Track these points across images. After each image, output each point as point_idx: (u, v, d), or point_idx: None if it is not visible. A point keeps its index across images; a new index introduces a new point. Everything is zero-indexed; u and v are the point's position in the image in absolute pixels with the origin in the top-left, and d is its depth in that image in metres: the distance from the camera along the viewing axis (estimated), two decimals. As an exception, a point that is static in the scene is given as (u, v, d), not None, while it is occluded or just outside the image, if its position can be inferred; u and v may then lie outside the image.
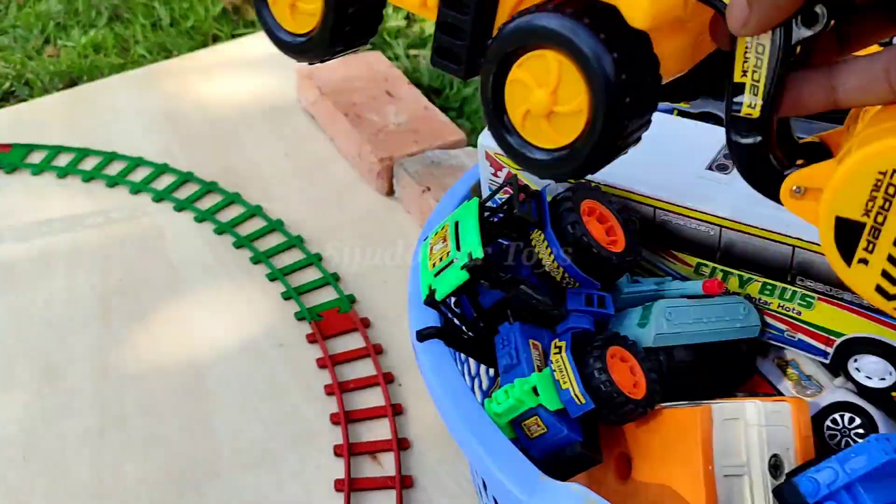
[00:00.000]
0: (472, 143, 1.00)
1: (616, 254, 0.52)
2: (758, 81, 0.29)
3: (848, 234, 0.28)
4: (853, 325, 0.50)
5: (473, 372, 0.61)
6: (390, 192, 1.00)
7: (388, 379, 0.76)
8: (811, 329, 0.52)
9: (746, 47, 0.29)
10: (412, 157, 0.99)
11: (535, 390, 0.46)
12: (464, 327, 0.53)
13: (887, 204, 0.27)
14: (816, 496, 0.39)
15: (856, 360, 0.52)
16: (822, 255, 0.48)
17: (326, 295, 0.86)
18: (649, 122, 0.33)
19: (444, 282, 0.50)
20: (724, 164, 0.54)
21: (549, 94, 0.31)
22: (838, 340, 0.51)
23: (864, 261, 0.28)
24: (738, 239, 0.52)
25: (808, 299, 0.51)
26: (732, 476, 0.45)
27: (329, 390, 0.75)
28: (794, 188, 0.30)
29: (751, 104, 0.30)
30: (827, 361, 0.53)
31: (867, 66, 0.29)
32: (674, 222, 0.54)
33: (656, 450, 0.47)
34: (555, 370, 0.46)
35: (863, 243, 0.28)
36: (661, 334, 0.50)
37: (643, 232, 0.55)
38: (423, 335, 0.50)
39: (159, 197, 0.98)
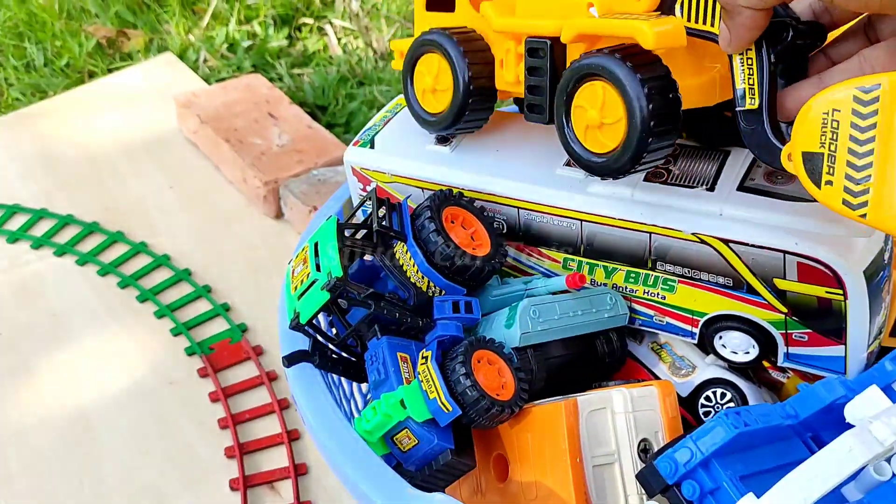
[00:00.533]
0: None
1: (481, 258, 0.52)
2: (753, 85, 0.41)
3: (813, 164, 0.37)
4: (714, 304, 0.52)
5: (349, 393, 0.61)
6: (279, 214, 0.99)
7: (284, 405, 0.75)
8: (676, 311, 0.54)
9: (739, 62, 0.41)
10: (297, 177, 0.98)
11: (402, 403, 0.46)
12: (335, 347, 0.52)
13: (834, 136, 0.36)
14: (675, 476, 0.40)
15: (721, 338, 0.53)
16: (677, 238, 0.50)
17: (217, 326, 0.84)
18: (675, 131, 0.43)
19: (307, 304, 0.49)
20: (580, 160, 0.54)
21: (599, 112, 0.43)
22: (702, 320, 0.53)
23: (829, 182, 0.37)
24: (598, 231, 0.53)
25: (669, 283, 0.52)
26: (603, 465, 0.46)
27: (223, 424, 0.74)
28: (788, 155, 0.39)
29: (751, 102, 0.41)
30: (694, 341, 0.54)
31: (846, 69, 0.41)
32: (537, 221, 0.54)
33: (529, 448, 0.47)
34: (422, 381, 0.46)
35: (825, 168, 0.37)
36: (526, 333, 0.51)
37: (509, 233, 0.56)
38: (289, 360, 0.50)
39: (38, 243, 0.95)
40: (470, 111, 0.50)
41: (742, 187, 0.49)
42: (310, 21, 1.39)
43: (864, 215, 0.36)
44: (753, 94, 0.41)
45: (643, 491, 0.46)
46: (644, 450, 0.47)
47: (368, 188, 0.61)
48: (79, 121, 1.15)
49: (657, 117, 0.41)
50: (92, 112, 1.17)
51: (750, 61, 0.41)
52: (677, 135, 0.43)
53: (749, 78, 0.41)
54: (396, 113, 0.62)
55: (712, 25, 0.41)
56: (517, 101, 0.59)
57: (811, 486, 0.34)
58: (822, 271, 0.46)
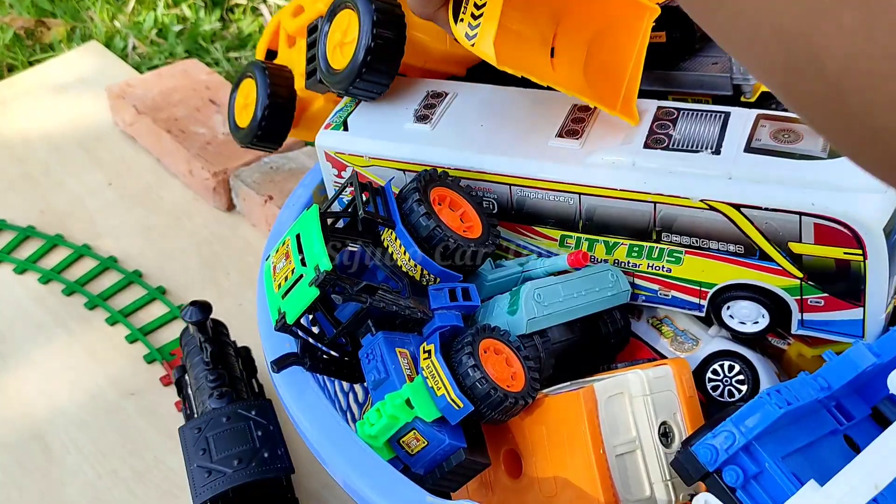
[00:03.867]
0: (311, 143, 0.94)
1: (474, 240, 0.49)
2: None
3: (456, 6, 0.46)
4: (724, 274, 0.49)
5: (345, 390, 0.57)
6: (230, 206, 0.93)
7: (258, 409, 0.70)
8: (683, 284, 0.51)
9: None
10: (248, 166, 0.92)
11: (408, 403, 0.42)
12: (324, 347, 0.48)
13: None
14: (716, 462, 0.37)
15: (728, 308, 0.51)
16: (684, 206, 0.47)
17: (176, 330, 0.79)
18: (398, 63, 0.53)
19: (294, 302, 0.45)
20: (573, 130, 0.51)
21: (342, 33, 0.53)
22: (710, 291, 0.50)
23: (461, 19, 0.46)
24: (598, 204, 0.50)
25: (675, 255, 0.50)
26: (625, 454, 0.43)
27: (194, 434, 0.69)
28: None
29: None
30: (702, 314, 0.52)
31: None
32: (531, 197, 0.51)
33: (544, 441, 0.44)
34: (427, 377, 0.43)
35: (462, 9, 0.46)
36: (533, 319, 0.47)
37: (500, 213, 0.52)
38: (278, 364, 0.45)
39: (-31, 253, 0.87)
40: (268, 124, 0.60)
41: (749, 148, 0.47)
42: (242, 1, 1.32)
43: (473, 44, 0.45)
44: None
45: (669, 476, 0.44)
46: (664, 434, 0.45)
47: (344, 174, 0.57)
48: (1, 119, 1.07)
49: (381, 40, 0.51)
50: (15, 108, 1.08)
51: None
52: (396, 68, 0.53)
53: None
54: (365, 92, 0.58)
55: None
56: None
57: (881, 470, 0.32)
58: (840, 231, 0.44)
